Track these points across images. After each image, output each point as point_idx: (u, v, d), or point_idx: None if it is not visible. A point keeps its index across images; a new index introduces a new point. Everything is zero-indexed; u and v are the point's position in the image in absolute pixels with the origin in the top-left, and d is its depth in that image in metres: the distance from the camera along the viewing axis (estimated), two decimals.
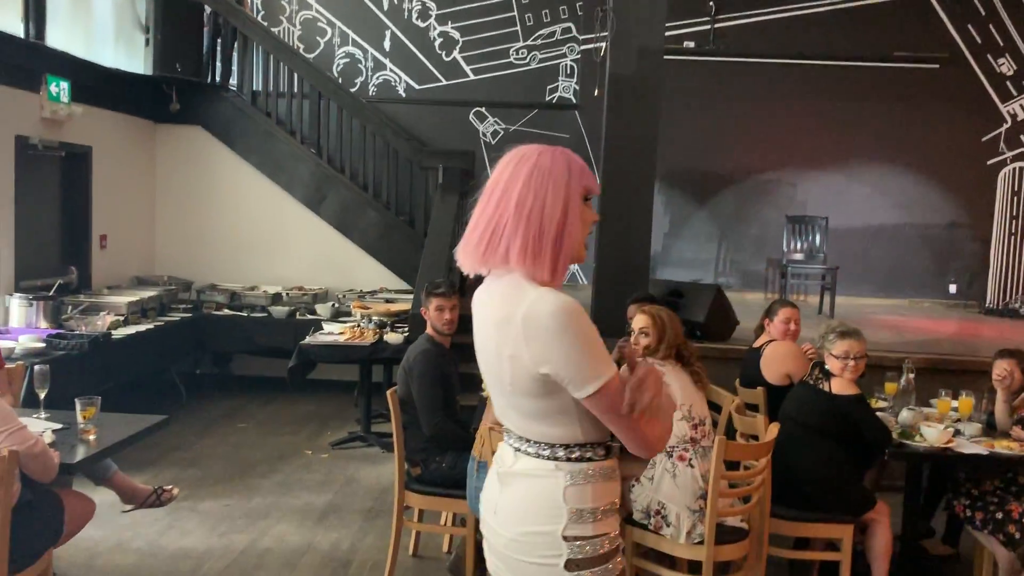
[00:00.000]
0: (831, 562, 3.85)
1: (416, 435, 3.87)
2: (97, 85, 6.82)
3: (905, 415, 4.09)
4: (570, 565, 1.76)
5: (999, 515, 3.79)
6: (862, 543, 3.88)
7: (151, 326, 6.33)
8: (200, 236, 7.86)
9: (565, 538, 1.76)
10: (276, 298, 7.24)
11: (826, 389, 3.82)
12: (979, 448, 3.82)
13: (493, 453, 3.19)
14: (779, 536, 3.83)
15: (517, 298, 1.74)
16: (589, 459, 1.81)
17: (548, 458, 1.80)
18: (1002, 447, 3.81)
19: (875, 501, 3.85)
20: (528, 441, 1.83)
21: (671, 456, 3.46)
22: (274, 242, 7.84)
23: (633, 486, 3.57)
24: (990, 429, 4.10)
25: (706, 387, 3.72)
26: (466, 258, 1.83)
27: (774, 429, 3.55)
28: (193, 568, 4.04)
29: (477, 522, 3.66)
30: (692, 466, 3.43)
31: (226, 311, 7.08)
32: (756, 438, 3.79)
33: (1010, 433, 3.96)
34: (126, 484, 4.12)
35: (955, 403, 4.34)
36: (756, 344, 4.69)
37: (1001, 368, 4.08)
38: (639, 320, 3.67)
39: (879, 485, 4.54)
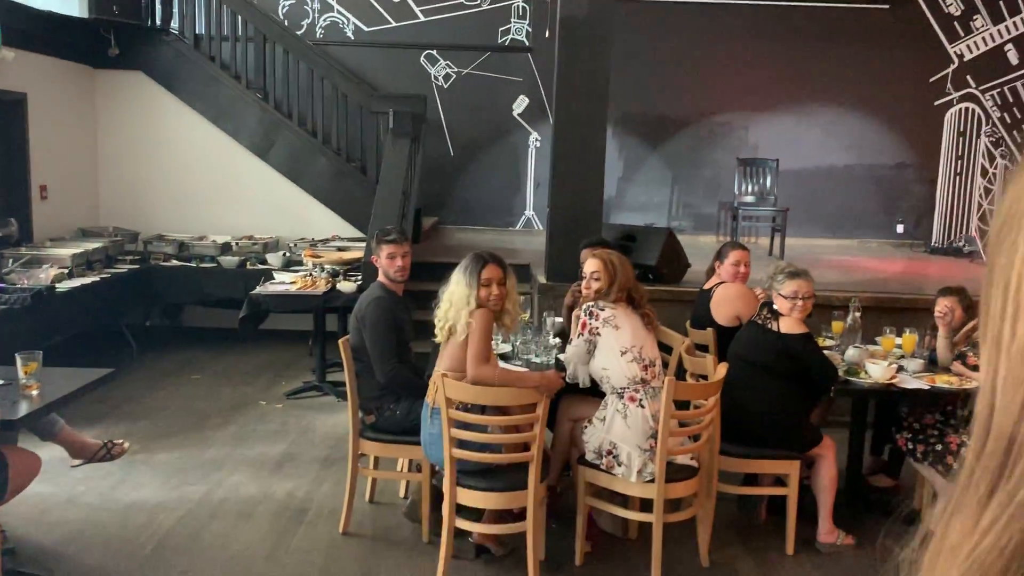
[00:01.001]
0: (778, 496, 3.96)
1: (370, 383, 3.86)
2: (29, 28, 6.53)
3: (851, 352, 4.18)
4: None
5: (939, 447, 3.92)
6: (808, 477, 3.99)
7: (97, 279, 6.18)
8: (145, 185, 7.66)
9: None
10: (225, 248, 7.11)
11: (774, 329, 3.87)
12: (921, 383, 3.93)
13: (446, 399, 3.20)
14: (728, 473, 3.92)
15: None
16: None
17: None
18: (943, 382, 3.92)
19: (821, 437, 3.95)
20: None
21: (622, 397, 3.50)
22: (222, 190, 7.67)
23: (585, 427, 3.62)
24: (932, 365, 4.21)
25: (656, 329, 3.75)
26: None
27: (723, 369, 3.60)
28: (147, 520, 4.01)
29: (432, 468, 3.70)
30: (643, 406, 3.48)
31: (174, 262, 6.94)
32: (706, 378, 3.84)
33: (951, 368, 4.07)
34: (74, 439, 4.06)
35: (899, 340, 4.45)
36: (706, 286, 4.73)
37: (943, 305, 4.18)
38: (590, 264, 3.68)
39: (825, 421, 4.65)
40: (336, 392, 5.95)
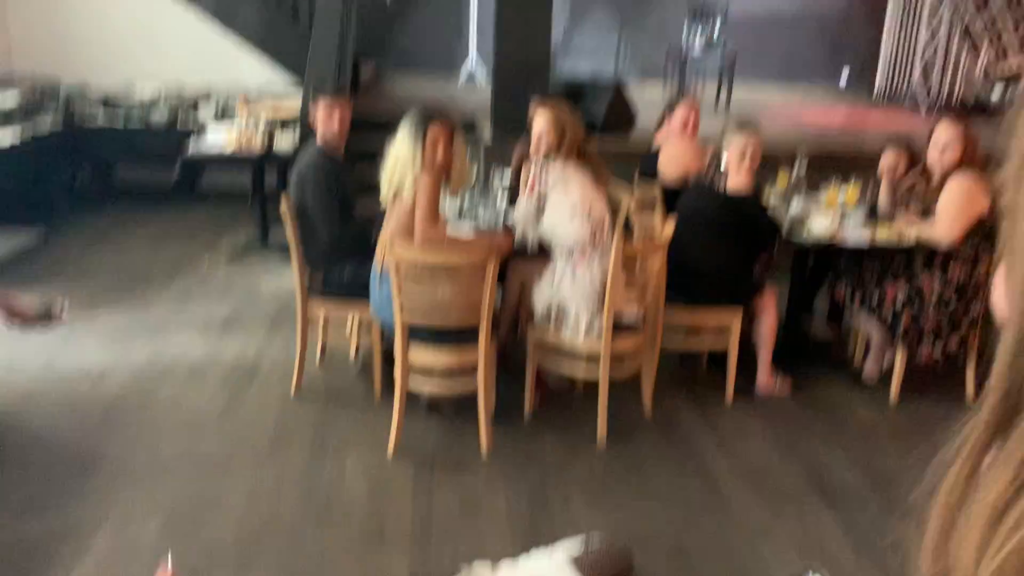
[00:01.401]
0: (719, 350, 4.07)
1: (315, 244, 3.78)
2: None
3: (796, 207, 4.23)
4: None
5: (875, 298, 4.04)
6: (750, 330, 4.10)
7: (18, 141, 5.84)
8: (64, 34, 7.12)
9: None
10: (154, 103, 6.75)
11: (721, 187, 3.87)
12: (862, 238, 4.00)
13: (395, 263, 3.16)
14: (671, 328, 3.99)
15: None
16: None
17: None
18: (883, 235, 4.00)
19: (764, 287, 4.04)
20: None
21: (571, 257, 3.50)
22: (147, 38, 7.19)
23: (534, 287, 3.63)
24: (874, 218, 4.29)
25: (606, 186, 3.72)
26: None
27: (669, 226, 3.61)
28: (93, 385, 3.97)
29: (382, 330, 3.70)
30: (591, 266, 3.49)
31: (101, 120, 6.58)
32: (653, 236, 3.86)
33: (891, 221, 4.15)
34: (9, 303, 3.94)
35: (843, 192, 4.50)
36: (655, 143, 4.68)
37: (888, 158, 4.21)
38: (539, 120, 3.58)
39: (767, 273, 4.75)
40: (280, 251, 5.85)
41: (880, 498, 3.22)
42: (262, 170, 5.90)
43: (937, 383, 4.20)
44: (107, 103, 6.67)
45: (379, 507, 3.08)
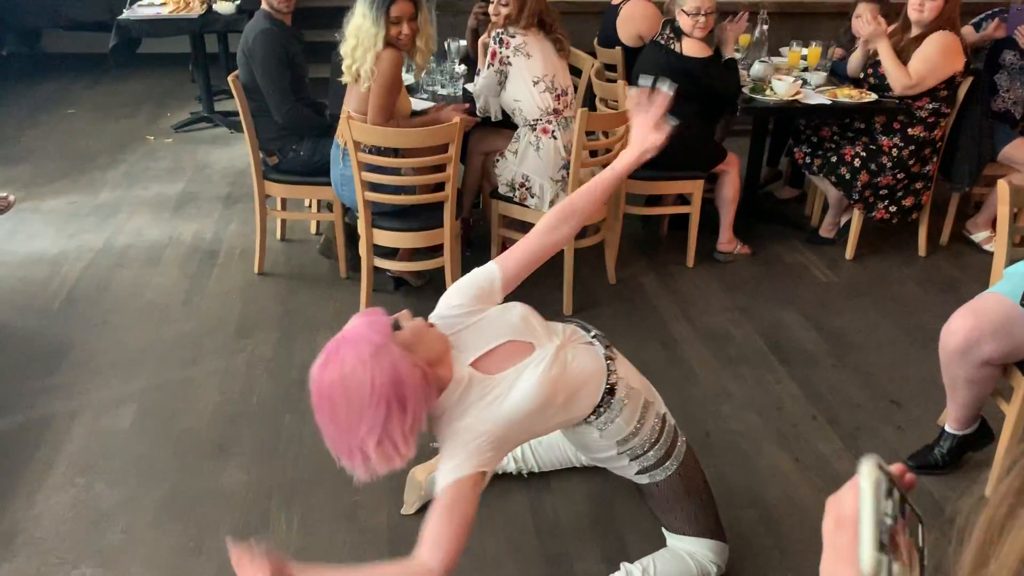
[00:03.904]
0: (681, 213, 4.11)
1: (268, 123, 3.65)
2: None
3: (757, 68, 4.16)
4: None
5: (833, 159, 4.07)
6: (711, 191, 4.13)
7: None
8: None
9: None
10: None
11: (677, 50, 3.77)
12: (823, 98, 3.98)
13: (354, 143, 3.08)
14: (633, 195, 4.00)
15: None
16: None
17: None
18: (844, 95, 3.98)
19: (725, 153, 4.03)
20: None
21: (535, 129, 3.44)
22: None
23: (497, 161, 3.59)
24: (834, 77, 4.25)
25: (568, 55, 3.61)
26: None
27: (633, 95, 3.53)
28: (49, 273, 3.89)
29: (343, 206, 3.64)
30: (555, 138, 3.44)
31: None
32: (616, 104, 3.79)
33: (860, 77, 4.10)
34: None
35: (804, 51, 4.44)
36: (614, 1, 4.51)
37: (865, 12, 4.07)
38: None
39: (728, 131, 4.73)
40: (227, 122, 5.66)
41: (833, 356, 3.35)
42: (201, 36, 5.60)
43: (891, 239, 4.31)
44: None
45: None
